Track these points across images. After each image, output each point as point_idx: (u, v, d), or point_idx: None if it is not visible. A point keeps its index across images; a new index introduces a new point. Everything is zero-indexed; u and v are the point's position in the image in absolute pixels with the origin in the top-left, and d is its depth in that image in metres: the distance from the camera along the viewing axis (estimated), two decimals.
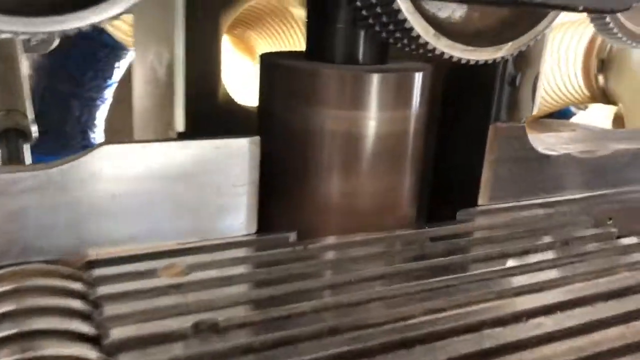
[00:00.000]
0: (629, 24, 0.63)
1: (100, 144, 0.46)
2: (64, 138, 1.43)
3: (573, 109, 1.98)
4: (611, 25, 0.61)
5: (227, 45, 1.30)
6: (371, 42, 0.57)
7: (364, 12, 0.45)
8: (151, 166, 0.47)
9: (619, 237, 0.59)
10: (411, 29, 0.42)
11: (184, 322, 0.40)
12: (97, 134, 1.51)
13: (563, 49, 1.44)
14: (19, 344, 0.36)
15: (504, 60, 0.62)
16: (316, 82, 0.54)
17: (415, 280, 0.49)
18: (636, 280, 0.49)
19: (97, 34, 1.43)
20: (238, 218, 0.52)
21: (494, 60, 0.47)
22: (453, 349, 0.40)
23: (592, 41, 1.42)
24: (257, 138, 0.50)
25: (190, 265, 0.47)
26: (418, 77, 0.56)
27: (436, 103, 0.65)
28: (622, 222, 0.68)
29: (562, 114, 1.81)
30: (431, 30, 0.43)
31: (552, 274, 0.51)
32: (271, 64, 0.58)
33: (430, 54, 0.45)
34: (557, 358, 0.39)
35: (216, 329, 0.40)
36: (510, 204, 0.64)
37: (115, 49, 1.47)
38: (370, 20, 0.45)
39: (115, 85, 1.51)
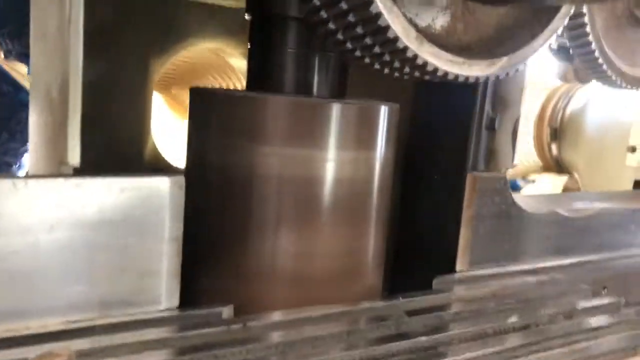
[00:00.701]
0: (619, 63, 0.55)
1: None
2: None
3: (520, 182, 1.94)
4: (600, 61, 0.53)
5: (163, 106, 1.19)
6: (328, 69, 0.47)
7: (323, 14, 0.35)
8: (36, 210, 0.34)
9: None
10: (387, 28, 0.32)
11: None
12: None
13: None
14: None
15: (481, 100, 0.53)
16: (260, 112, 0.43)
17: None
18: None
19: (13, 91, 1.31)
20: (155, 287, 0.39)
21: (487, 78, 0.37)
22: None
23: (543, 109, 1.38)
24: (181, 178, 0.38)
25: (81, 352, 0.34)
26: (384, 112, 0.46)
27: (401, 148, 0.54)
28: (616, 290, 0.58)
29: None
30: (412, 32, 0.33)
31: (562, 355, 0.40)
32: (204, 95, 0.47)
33: (409, 69, 0.35)
34: None
35: None
36: (494, 270, 0.53)
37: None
38: (332, 25, 0.35)
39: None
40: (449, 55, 0.34)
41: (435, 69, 0.34)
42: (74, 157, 0.36)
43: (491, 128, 0.54)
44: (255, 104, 0.44)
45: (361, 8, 0.32)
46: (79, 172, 0.36)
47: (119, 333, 0.37)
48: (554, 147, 1.38)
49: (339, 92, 0.48)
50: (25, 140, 1.39)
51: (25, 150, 1.41)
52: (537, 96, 1.35)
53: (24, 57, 1.17)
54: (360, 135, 0.45)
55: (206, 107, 0.46)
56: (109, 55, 0.57)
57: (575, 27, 0.52)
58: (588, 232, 0.60)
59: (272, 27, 0.47)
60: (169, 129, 1.25)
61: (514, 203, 0.55)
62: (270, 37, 0.47)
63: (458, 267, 0.52)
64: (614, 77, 0.55)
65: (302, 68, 0.46)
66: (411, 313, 0.43)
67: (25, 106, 1.42)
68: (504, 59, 0.37)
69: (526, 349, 0.39)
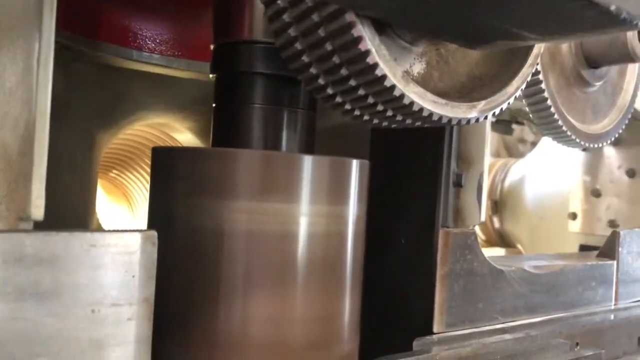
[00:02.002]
0: (572, 119, 0.57)
1: None
2: None
3: None
4: (555, 116, 0.55)
5: (102, 192, 1.14)
6: (297, 124, 0.46)
7: (305, 59, 0.34)
8: None
9: None
10: (375, 66, 0.31)
11: None
12: None
13: None
14: None
15: (447, 157, 0.53)
16: (230, 166, 0.41)
17: None
18: None
19: None
20: (120, 356, 0.35)
21: (468, 121, 0.36)
22: None
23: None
24: (153, 233, 0.35)
25: None
26: (356, 166, 0.45)
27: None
28: (589, 345, 0.57)
29: None
30: (399, 71, 0.32)
31: None
32: (169, 153, 0.45)
33: (393, 110, 0.34)
34: None
35: None
36: (471, 330, 0.51)
37: None
38: (314, 71, 0.34)
39: None
40: (432, 97, 0.34)
41: (421, 109, 0.34)
42: (38, 212, 0.33)
43: (458, 184, 0.53)
44: (224, 158, 0.42)
45: (348, 46, 0.31)
46: (39, 226, 0.33)
47: None
48: (495, 220, 1.40)
49: (307, 149, 0.47)
50: None
51: None
52: None
53: None
54: (333, 189, 0.43)
55: (170, 165, 0.44)
56: (57, 126, 0.54)
57: (532, 84, 0.54)
58: (555, 289, 0.60)
59: (238, 84, 0.46)
60: (108, 211, 1.20)
61: (485, 260, 0.54)
62: (236, 93, 0.46)
63: (435, 328, 0.50)
64: (568, 133, 0.57)
65: (270, 124, 0.45)
66: None
67: None
68: (482, 102, 0.37)
69: None
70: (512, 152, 1.79)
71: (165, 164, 0.45)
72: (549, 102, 0.54)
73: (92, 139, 0.75)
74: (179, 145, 0.94)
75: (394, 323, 0.52)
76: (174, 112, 0.81)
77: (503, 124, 1.19)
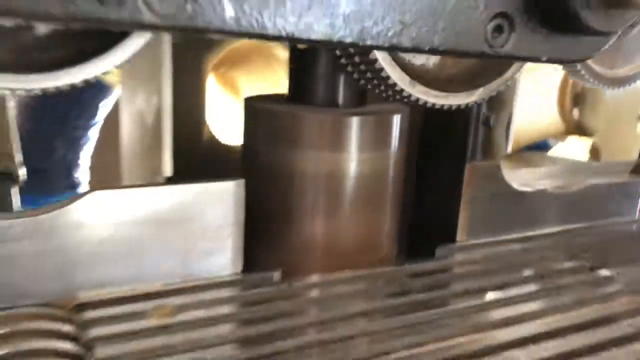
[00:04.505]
0: (596, 67, 0.66)
1: (89, 191, 0.48)
2: (49, 178, 1.43)
3: (551, 141, 2.01)
4: (578, 67, 0.64)
5: (211, 83, 1.32)
6: (350, 87, 0.59)
7: (343, 61, 0.47)
8: (138, 211, 0.49)
9: (592, 270, 0.62)
10: (388, 77, 0.44)
11: None
12: (82, 173, 1.52)
13: (539, 84, 1.48)
14: None
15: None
16: (297, 125, 0.56)
17: (396, 316, 0.50)
18: (607, 312, 0.51)
19: None
20: (224, 258, 0.54)
21: (467, 104, 0.49)
22: None
23: (566, 75, 1.46)
24: (241, 181, 0.52)
25: (178, 306, 0.49)
26: (396, 120, 0.59)
27: (414, 145, 0.67)
28: (597, 255, 0.70)
29: (540, 147, 1.85)
30: (406, 78, 0.45)
31: (527, 307, 0.53)
32: (255, 108, 0.60)
33: (406, 100, 0.48)
34: None
35: None
36: (487, 240, 0.66)
37: (100, 89, 1.48)
38: (350, 68, 0.48)
39: (99, 125, 1.52)
40: (435, 92, 0.47)
41: (425, 102, 0.47)
42: (167, 168, 0.51)
43: (487, 125, 0.66)
44: (293, 117, 0.57)
45: (370, 63, 0.45)
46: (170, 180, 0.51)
47: (200, 293, 0.52)
48: (575, 111, 1.46)
49: (360, 102, 0.61)
50: (90, 117, 1.54)
51: (92, 126, 1.56)
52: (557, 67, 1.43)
53: None
54: (376, 139, 0.58)
55: (256, 118, 0.60)
56: None
57: None
58: (573, 206, 0.72)
59: (306, 53, 0.60)
60: (217, 105, 1.39)
61: (507, 185, 0.67)
62: (305, 60, 0.60)
63: (458, 238, 0.65)
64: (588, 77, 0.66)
65: (330, 87, 0.59)
66: (414, 275, 0.57)
67: (91, 86, 1.56)
68: (480, 90, 0.49)
69: (498, 303, 0.53)
70: None
71: (253, 114, 0.61)
72: None
73: (202, 60, 0.91)
74: (278, 57, 1.09)
75: (425, 237, 0.68)
76: None
77: None
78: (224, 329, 0.47)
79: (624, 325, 0.50)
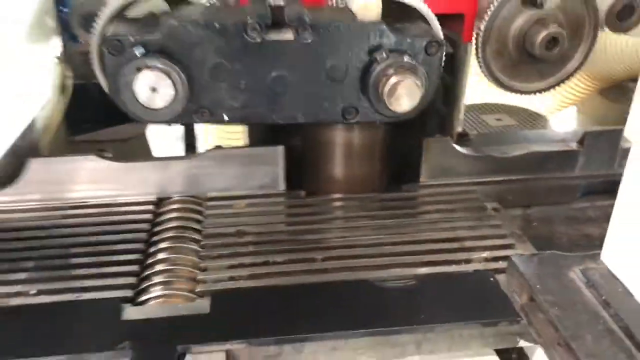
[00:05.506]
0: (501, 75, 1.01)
1: None
2: None
3: None
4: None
5: None
6: None
7: None
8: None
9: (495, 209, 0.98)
10: None
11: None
12: None
13: None
14: None
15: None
16: None
17: (374, 220, 0.90)
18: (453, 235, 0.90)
19: None
20: (274, 181, 0.94)
21: None
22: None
23: None
24: (281, 147, 0.92)
25: (248, 203, 0.91)
26: None
27: None
28: (515, 197, 1.06)
29: None
30: None
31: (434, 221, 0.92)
32: None
33: None
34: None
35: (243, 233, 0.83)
36: (442, 181, 1.04)
37: None
38: None
39: None
40: None
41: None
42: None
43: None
44: None
45: None
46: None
47: (262, 198, 0.93)
48: None
49: None
50: None
51: None
52: None
53: None
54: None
55: None
56: None
57: None
58: (504, 166, 1.09)
59: None
60: None
61: (455, 149, 1.04)
62: None
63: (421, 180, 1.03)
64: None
65: None
66: (387, 200, 0.97)
67: None
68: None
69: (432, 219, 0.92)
70: None
71: None
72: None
73: None
74: None
75: (400, 179, 1.06)
76: None
77: None
78: (275, 217, 0.89)
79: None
